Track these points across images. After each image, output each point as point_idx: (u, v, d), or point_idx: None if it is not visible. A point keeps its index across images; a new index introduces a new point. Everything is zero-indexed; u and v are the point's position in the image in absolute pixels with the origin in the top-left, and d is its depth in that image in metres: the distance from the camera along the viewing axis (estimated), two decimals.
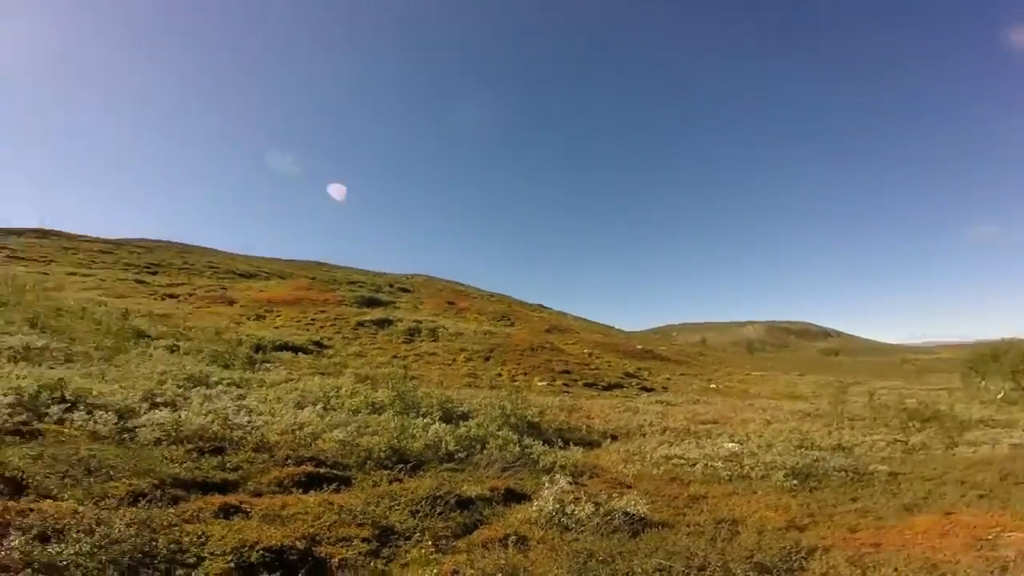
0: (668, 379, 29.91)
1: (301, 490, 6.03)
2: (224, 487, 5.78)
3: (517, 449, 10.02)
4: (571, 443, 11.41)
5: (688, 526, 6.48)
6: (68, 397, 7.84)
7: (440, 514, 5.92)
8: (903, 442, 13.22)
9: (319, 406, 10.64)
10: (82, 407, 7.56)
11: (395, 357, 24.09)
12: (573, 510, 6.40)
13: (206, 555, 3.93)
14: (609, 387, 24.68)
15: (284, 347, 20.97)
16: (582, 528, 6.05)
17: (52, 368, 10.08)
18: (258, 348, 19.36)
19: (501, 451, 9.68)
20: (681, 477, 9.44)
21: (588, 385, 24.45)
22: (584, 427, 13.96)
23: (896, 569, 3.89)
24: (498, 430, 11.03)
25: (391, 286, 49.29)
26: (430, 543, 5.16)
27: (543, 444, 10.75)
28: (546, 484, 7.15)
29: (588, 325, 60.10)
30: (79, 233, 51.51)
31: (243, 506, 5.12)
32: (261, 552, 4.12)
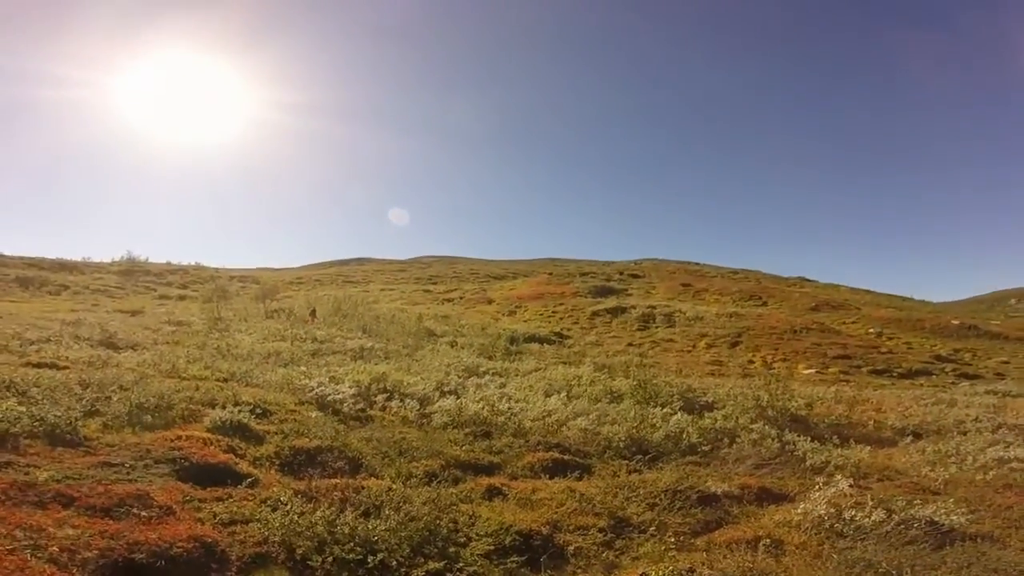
0: (1005, 363, 21.90)
1: (548, 475, 6.72)
2: (490, 469, 6.88)
3: (776, 445, 8.93)
4: (851, 440, 9.53)
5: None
6: (388, 388, 10.54)
7: (679, 509, 5.75)
8: None
9: (563, 394, 11.55)
10: (396, 396, 10.11)
11: (630, 345, 24.22)
12: (853, 515, 5.35)
13: (473, 536, 4.72)
14: (909, 374, 19.54)
15: (532, 339, 23.50)
16: (863, 536, 5.04)
17: (376, 364, 13.66)
18: (512, 340, 22.23)
19: (755, 446, 8.78)
20: (1021, 483, 6.96)
21: (877, 372, 19.86)
22: (871, 422, 11.45)
23: None
24: (751, 423, 10.04)
25: (621, 274, 49.53)
26: (671, 538, 5.05)
27: (811, 441, 9.28)
28: (818, 485, 6.14)
29: (872, 298, 48.36)
30: (381, 257, 68.59)
31: (503, 488, 6.01)
32: (514, 535, 4.76)
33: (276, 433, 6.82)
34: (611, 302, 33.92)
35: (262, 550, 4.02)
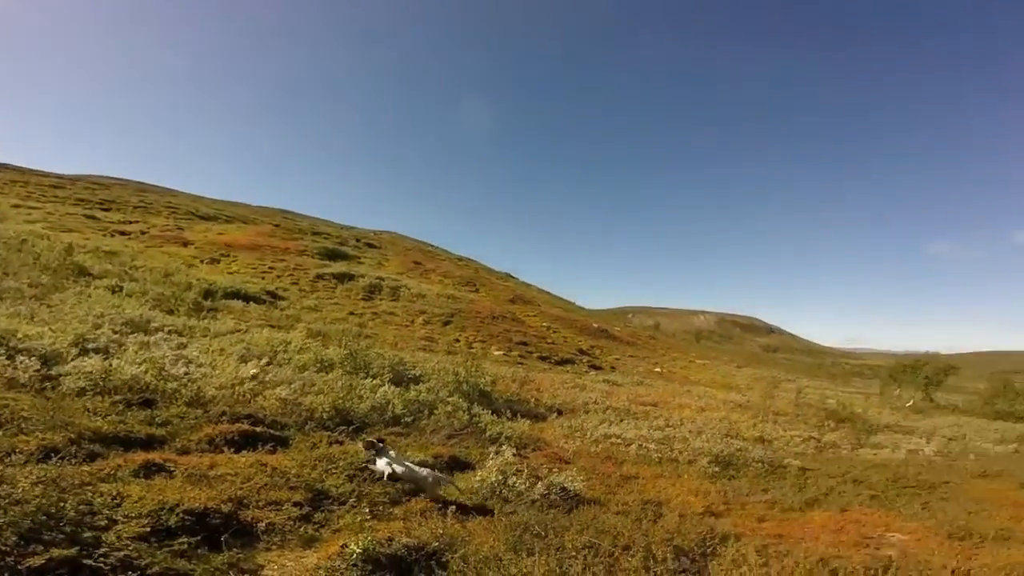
0: (617, 359, 30.77)
1: (234, 449, 5.87)
2: (149, 443, 5.56)
3: (465, 417, 10.11)
4: (519, 415, 11.63)
5: (618, 505, 6.80)
6: None
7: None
8: (817, 439, 14.47)
9: (264, 360, 10.33)
10: (2, 351, 7.06)
11: (352, 314, 23.69)
12: (515, 482, 6.57)
13: (119, 518, 3.76)
14: (562, 362, 25.20)
15: (236, 295, 20.19)
16: (521, 501, 6.22)
17: None
18: (207, 294, 18.54)
19: (449, 418, 9.75)
20: (616, 456, 9.88)
21: (542, 358, 24.88)
22: (533, 400, 14.25)
23: (796, 562, 4.22)
24: (448, 396, 11.08)
25: (357, 240, 47.98)
26: (366, 509, 5.13)
27: (492, 414, 10.87)
28: (492, 454, 7.29)
29: (551, 299, 60.72)
30: (32, 167, 47.37)
31: (167, 464, 4.94)
32: (181, 515, 3.99)
33: None
34: (340, 267, 32.26)
35: None
